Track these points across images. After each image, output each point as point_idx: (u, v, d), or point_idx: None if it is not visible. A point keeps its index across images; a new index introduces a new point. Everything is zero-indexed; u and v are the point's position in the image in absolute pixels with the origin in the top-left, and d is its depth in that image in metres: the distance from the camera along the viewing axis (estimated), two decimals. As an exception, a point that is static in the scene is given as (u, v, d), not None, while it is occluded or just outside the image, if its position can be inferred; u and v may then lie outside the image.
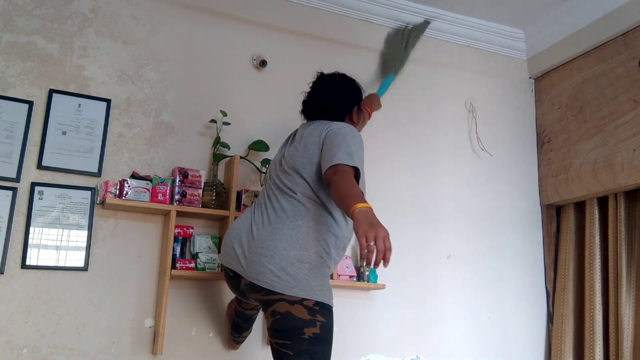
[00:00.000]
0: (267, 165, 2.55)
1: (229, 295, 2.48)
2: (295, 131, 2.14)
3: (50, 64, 2.42)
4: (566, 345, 3.00)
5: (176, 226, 2.38)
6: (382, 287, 2.71)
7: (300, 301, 1.71)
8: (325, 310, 1.74)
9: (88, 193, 2.35)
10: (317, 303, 1.73)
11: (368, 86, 3.05)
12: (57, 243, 2.28)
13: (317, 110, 2.07)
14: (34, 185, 2.29)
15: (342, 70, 2.98)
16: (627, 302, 2.75)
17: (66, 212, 2.31)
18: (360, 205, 1.56)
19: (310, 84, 2.15)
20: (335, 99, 2.06)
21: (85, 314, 2.28)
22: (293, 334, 1.69)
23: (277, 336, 1.72)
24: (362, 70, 3.07)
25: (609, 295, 2.87)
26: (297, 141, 2.00)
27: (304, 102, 2.14)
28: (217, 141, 2.54)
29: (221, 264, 2.12)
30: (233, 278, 1.93)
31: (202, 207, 2.41)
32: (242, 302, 2.15)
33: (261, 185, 2.58)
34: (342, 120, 2.04)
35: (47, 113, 2.37)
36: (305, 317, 1.70)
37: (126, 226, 2.41)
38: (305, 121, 2.15)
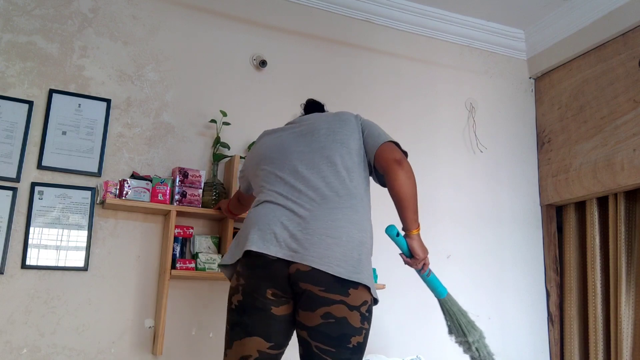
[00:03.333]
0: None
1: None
2: (293, 121, 2.01)
3: (50, 64, 2.42)
4: (574, 346, 3.01)
5: (176, 226, 2.38)
6: (382, 287, 2.71)
7: (359, 306, 1.57)
8: (371, 315, 1.64)
9: (88, 193, 2.35)
10: (371, 303, 1.62)
11: (367, 86, 3.06)
12: (57, 243, 2.28)
13: (314, 110, 2.07)
14: (34, 185, 2.29)
15: (342, 70, 3.02)
16: (627, 302, 2.76)
17: (66, 212, 2.31)
18: (419, 228, 1.85)
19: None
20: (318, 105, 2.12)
21: (85, 314, 2.28)
22: (341, 341, 1.55)
23: (323, 341, 1.55)
24: (362, 70, 3.07)
25: (609, 295, 2.87)
26: (319, 120, 1.87)
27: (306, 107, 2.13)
28: (217, 141, 2.54)
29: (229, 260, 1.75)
30: (267, 266, 1.59)
31: (202, 207, 2.41)
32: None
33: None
34: None
35: (47, 113, 2.37)
36: (357, 325, 1.58)
37: (126, 226, 2.41)
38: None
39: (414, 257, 1.87)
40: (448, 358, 2.90)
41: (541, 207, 3.33)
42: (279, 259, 1.57)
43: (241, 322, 1.60)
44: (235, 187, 2.47)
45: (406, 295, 2.86)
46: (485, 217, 3.17)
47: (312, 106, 2.08)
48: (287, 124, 2.01)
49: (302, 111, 2.10)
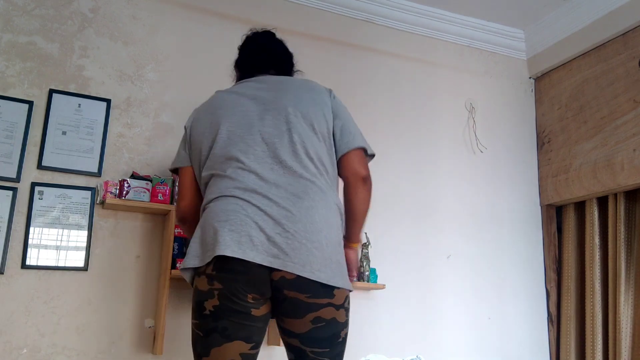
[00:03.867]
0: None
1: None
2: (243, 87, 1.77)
3: (50, 64, 2.42)
4: (571, 346, 3.01)
5: (176, 226, 2.37)
6: (382, 287, 2.71)
7: (344, 303, 1.56)
8: (350, 304, 1.63)
9: (88, 193, 2.35)
10: (349, 295, 1.61)
11: (367, 86, 3.06)
12: (57, 243, 2.28)
13: (275, 61, 1.85)
14: (34, 185, 2.29)
15: (342, 70, 3.02)
16: (626, 301, 2.76)
17: (66, 212, 2.31)
18: (360, 242, 1.86)
19: (250, 35, 1.92)
20: (289, 54, 1.91)
21: (85, 314, 2.28)
22: (332, 340, 1.55)
23: (316, 345, 1.54)
24: (362, 70, 3.07)
25: (608, 295, 2.87)
26: (286, 91, 1.70)
27: (255, 51, 1.86)
28: (217, 141, 2.54)
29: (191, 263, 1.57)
30: (248, 271, 1.48)
31: (202, 207, 2.41)
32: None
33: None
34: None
35: (47, 113, 2.37)
36: (342, 320, 1.57)
37: (126, 226, 2.41)
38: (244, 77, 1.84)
39: (349, 268, 1.75)
40: (448, 358, 2.90)
41: (541, 207, 3.33)
42: (259, 264, 1.47)
43: (218, 327, 1.48)
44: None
45: (406, 295, 2.86)
46: (485, 217, 3.17)
47: (272, 56, 1.86)
48: (243, 80, 1.80)
49: (252, 49, 1.87)
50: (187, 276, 1.59)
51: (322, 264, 1.50)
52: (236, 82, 1.89)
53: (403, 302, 2.85)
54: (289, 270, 1.47)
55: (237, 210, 1.51)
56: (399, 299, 2.84)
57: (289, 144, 1.60)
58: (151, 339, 2.35)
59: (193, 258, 1.54)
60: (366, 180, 1.72)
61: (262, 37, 1.91)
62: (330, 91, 1.79)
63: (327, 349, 1.55)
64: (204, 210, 1.61)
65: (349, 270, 1.73)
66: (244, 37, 1.94)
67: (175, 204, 1.84)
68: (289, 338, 1.58)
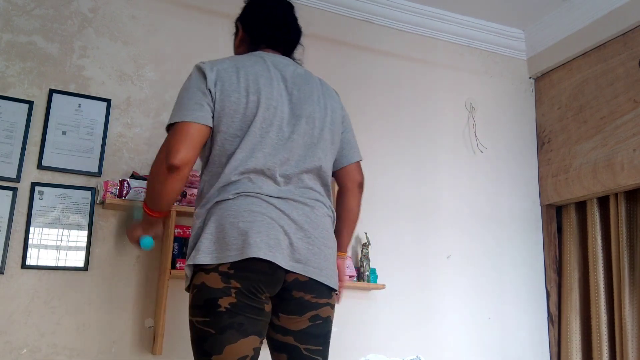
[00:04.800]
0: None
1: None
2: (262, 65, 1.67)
3: (50, 64, 2.42)
4: (574, 347, 3.01)
5: (176, 226, 2.38)
6: (382, 287, 2.71)
7: (334, 304, 1.64)
8: None
9: (88, 193, 2.36)
10: None
11: (367, 86, 3.06)
12: (57, 243, 2.28)
13: (289, 46, 1.82)
14: (34, 185, 2.29)
15: (342, 70, 3.02)
16: (631, 302, 2.75)
17: (66, 212, 2.31)
18: None
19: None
20: (300, 33, 1.87)
21: (85, 314, 2.28)
22: (325, 338, 1.61)
23: (310, 341, 1.56)
24: (362, 70, 3.07)
25: (613, 296, 2.87)
26: (312, 93, 1.69)
27: (274, 19, 1.78)
28: (217, 141, 2.54)
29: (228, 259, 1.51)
30: (273, 273, 1.50)
31: (202, 207, 2.40)
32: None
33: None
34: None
35: (47, 113, 2.37)
36: (333, 320, 1.64)
37: (126, 226, 2.41)
38: (261, 50, 1.75)
39: (340, 277, 1.80)
40: (448, 358, 2.90)
41: (541, 207, 3.33)
42: (281, 267, 1.50)
43: (234, 324, 1.47)
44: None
45: (406, 295, 2.86)
46: (485, 217, 3.17)
47: (289, 41, 1.81)
48: (263, 55, 1.70)
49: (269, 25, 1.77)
50: (189, 271, 1.56)
51: (331, 268, 1.59)
52: (242, 45, 1.80)
53: (403, 302, 2.85)
54: (305, 274, 1.53)
55: (262, 212, 1.51)
56: (399, 299, 2.84)
57: (308, 158, 1.62)
58: (151, 339, 2.35)
59: (205, 255, 1.50)
60: (363, 187, 1.82)
61: (282, 6, 1.84)
62: (339, 97, 1.82)
63: (320, 347, 1.59)
64: (214, 205, 1.54)
65: (340, 279, 1.81)
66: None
67: (168, 151, 1.55)
68: (283, 336, 1.57)
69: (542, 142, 3.39)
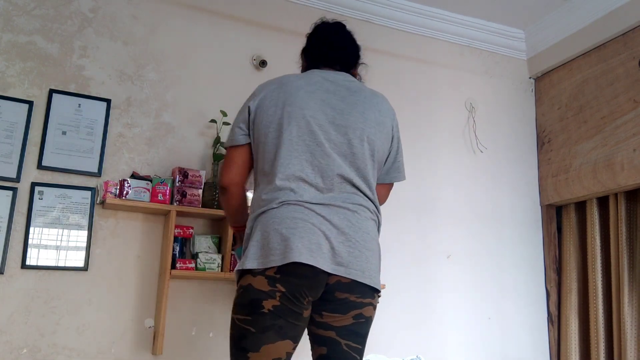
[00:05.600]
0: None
1: (229, 294, 2.48)
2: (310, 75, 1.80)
3: (50, 64, 2.42)
4: (572, 347, 3.01)
5: (176, 226, 2.38)
6: (382, 287, 2.70)
7: (376, 305, 1.70)
8: None
9: (88, 193, 2.36)
10: None
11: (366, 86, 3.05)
12: (57, 243, 2.28)
13: (345, 62, 1.90)
14: (34, 185, 2.29)
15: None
16: (630, 302, 2.75)
17: (66, 212, 2.31)
18: None
19: (320, 24, 1.96)
20: (357, 47, 1.98)
21: (85, 314, 2.28)
22: (365, 338, 1.68)
23: (353, 339, 1.65)
24: (362, 70, 3.07)
25: (611, 296, 2.87)
26: (356, 104, 1.74)
27: (324, 43, 1.90)
28: (217, 141, 2.54)
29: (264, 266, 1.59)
30: (315, 277, 1.57)
31: (202, 207, 2.41)
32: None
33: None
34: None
35: (47, 113, 2.37)
36: (373, 320, 1.72)
37: (126, 226, 2.41)
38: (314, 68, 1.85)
39: None
40: (448, 358, 2.90)
41: (541, 207, 3.33)
42: (323, 270, 1.56)
43: (275, 325, 1.55)
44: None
45: (406, 295, 2.86)
46: (485, 217, 3.17)
47: (344, 56, 1.90)
48: (313, 71, 1.81)
49: (320, 42, 1.90)
50: (236, 275, 1.65)
51: (374, 270, 1.65)
52: (302, 71, 1.94)
53: (403, 302, 2.85)
54: (348, 277, 1.59)
55: (304, 218, 1.58)
56: (399, 299, 2.84)
57: (349, 165, 1.68)
58: (151, 339, 2.35)
59: (252, 260, 1.58)
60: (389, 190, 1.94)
61: (332, 28, 1.96)
62: (394, 114, 1.88)
63: (359, 346, 1.66)
64: (261, 214, 1.63)
65: None
66: (314, 26, 1.98)
67: (219, 175, 1.86)
68: (325, 331, 1.65)
69: (542, 142, 3.39)
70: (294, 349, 1.61)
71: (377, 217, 1.74)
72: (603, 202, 3.01)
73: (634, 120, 2.80)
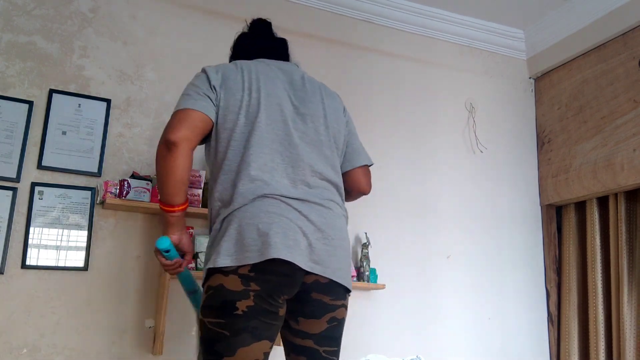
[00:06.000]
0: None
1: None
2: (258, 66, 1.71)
3: (50, 64, 2.42)
4: (572, 347, 3.01)
5: (176, 226, 2.37)
6: (382, 287, 2.71)
7: (347, 305, 1.65)
8: None
9: (88, 193, 2.35)
10: None
11: (367, 86, 3.06)
12: (57, 243, 2.28)
13: (283, 53, 1.85)
14: (34, 185, 2.29)
15: (342, 70, 3.02)
16: (629, 302, 2.75)
17: (66, 212, 2.31)
18: None
19: (250, 24, 1.93)
20: (285, 41, 1.92)
21: (85, 314, 2.28)
22: (339, 339, 1.63)
23: (329, 344, 1.59)
24: (362, 70, 3.07)
25: (611, 295, 2.87)
26: (314, 93, 1.71)
27: (260, 37, 1.86)
28: (217, 141, 2.54)
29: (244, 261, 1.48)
30: (292, 275, 1.50)
31: (202, 207, 2.41)
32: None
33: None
34: None
35: (47, 113, 2.37)
36: (345, 320, 1.67)
37: (126, 226, 2.41)
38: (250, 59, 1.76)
39: None
40: (448, 358, 2.90)
41: (541, 207, 3.33)
42: (300, 268, 1.49)
43: (249, 327, 1.46)
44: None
45: (406, 295, 2.86)
46: (485, 217, 3.17)
47: (282, 47, 1.86)
48: (264, 60, 1.74)
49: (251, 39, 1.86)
50: (204, 274, 1.55)
51: (346, 269, 1.60)
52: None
53: (403, 302, 2.85)
54: (325, 275, 1.53)
55: (280, 213, 1.50)
56: (399, 299, 2.84)
57: (317, 154, 1.63)
58: (151, 339, 2.35)
59: (224, 257, 1.48)
60: (368, 184, 1.83)
61: (262, 25, 1.92)
62: (341, 100, 1.83)
63: (335, 348, 1.62)
64: (235, 210, 1.52)
65: None
66: (240, 33, 1.94)
67: (165, 130, 1.55)
68: (302, 340, 1.58)
69: (542, 142, 3.39)
70: (272, 347, 1.53)
71: (346, 211, 1.69)
72: (603, 202, 3.02)
73: (634, 120, 2.80)
